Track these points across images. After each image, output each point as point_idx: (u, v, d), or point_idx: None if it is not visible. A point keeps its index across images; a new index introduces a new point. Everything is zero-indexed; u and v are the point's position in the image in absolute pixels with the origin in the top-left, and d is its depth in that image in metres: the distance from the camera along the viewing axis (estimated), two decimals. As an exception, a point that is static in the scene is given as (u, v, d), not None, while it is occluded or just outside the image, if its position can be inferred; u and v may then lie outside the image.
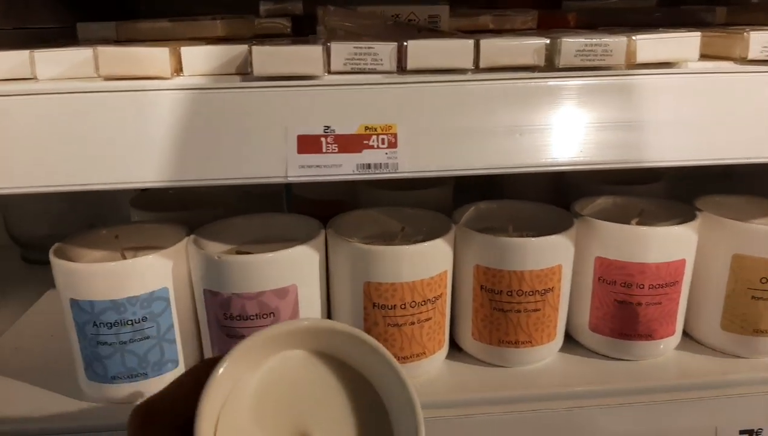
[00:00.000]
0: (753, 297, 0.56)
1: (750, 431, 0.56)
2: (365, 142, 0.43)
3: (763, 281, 0.55)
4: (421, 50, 0.44)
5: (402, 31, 0.62)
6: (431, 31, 0.62)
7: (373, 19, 0.61)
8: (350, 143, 0.43)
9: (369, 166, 0.44)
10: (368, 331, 0.55)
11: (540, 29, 0.68)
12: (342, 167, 0.43)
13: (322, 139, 0.43)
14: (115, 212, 0.75)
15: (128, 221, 0.67)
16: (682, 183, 0.74)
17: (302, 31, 0.68)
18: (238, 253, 0.56)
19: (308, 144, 0.43)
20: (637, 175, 0.72)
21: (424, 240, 0.54)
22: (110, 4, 0.84)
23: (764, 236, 0.55)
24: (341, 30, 0.62)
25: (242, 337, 0.52)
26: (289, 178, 0.43)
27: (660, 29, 0.47)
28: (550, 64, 0.45)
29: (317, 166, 0.43)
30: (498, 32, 0.66)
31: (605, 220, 0.57)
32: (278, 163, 0.43)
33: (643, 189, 0.70)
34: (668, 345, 0.59)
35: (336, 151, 0.43)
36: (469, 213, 0.63)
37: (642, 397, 0.55)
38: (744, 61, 0.46)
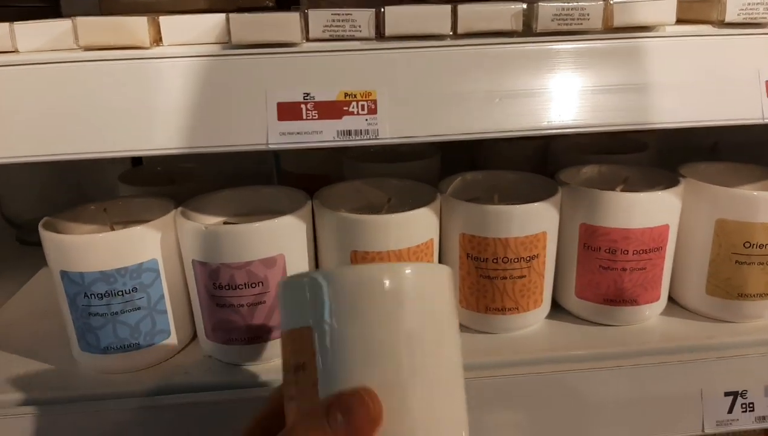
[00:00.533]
0: (737, 262, 0.57)
1: (735, 393, 0.57)
2: (345, 108, 0.44)
3: (747, 245, 0.56)
4: (399, 16, 0.44)
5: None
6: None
7: (356, -10, 0.61)
8: (330, 110, 0.44)
9: (349, 132, 0.44)
10: (355, 299, 0.55)
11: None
12: (322, 134, 0.44)
13: (302, 105, 0.44)
14: (107, 191, 0.76)
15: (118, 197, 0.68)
16: (667, 153, 0.75)
17: (286, 4, 0.68)
18: (226, 224, 0.57)
19: (288, 111, 0.43)
20: (622, 145, 0.73)
21: (415, 208, 0.54)
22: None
23: (747, 201, 0.55)
24: (324, 3, 0.62)
25: (231, 306, 0.54)
26: (270, 146, 0.43)
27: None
28: (528, 29, 0.45)
29: (298, 133, 0.43)
30: None
31: (590, 188, 0.57)
32: (259, 131, 0.43)
33: (628, 158, 0.70)
34: (654, 310, 0.60)
35: (316, 117, 0.44)
36: (455, 183, 0.63)
37: (628, 361, 0.56)
38: (721, 24, 0.46)
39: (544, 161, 0.78)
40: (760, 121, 0.46)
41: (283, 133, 0.43)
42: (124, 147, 0.43)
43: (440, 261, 0.60)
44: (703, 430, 0.56)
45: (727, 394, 0.56)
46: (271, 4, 0.70)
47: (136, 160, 0.87)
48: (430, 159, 0.73)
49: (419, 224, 0.55)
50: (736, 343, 0.57)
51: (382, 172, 0.68)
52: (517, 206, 0.55)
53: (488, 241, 0.55)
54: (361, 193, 0.63)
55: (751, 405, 0.56)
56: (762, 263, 0.56)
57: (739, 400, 0.56)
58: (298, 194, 0.59)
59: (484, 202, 0.57)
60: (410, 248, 0.54)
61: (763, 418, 0.56)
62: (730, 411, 0.56)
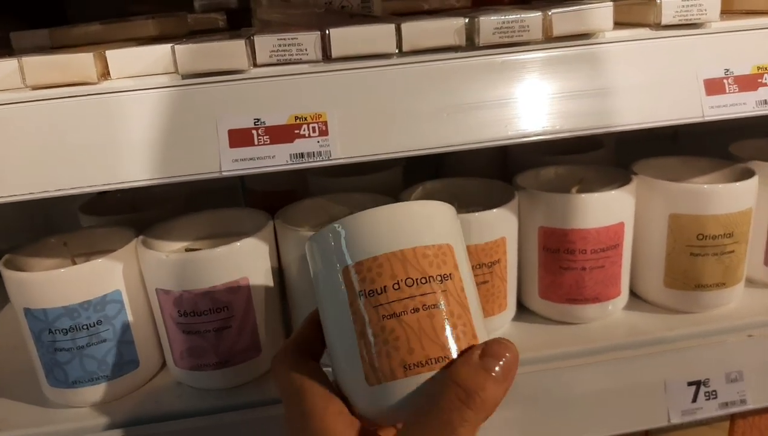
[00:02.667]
0: (692, 254, 0.58)
1: (697, 382, 0.58)
2: (296, 131, 0.44)
3: (700, 237, 0.58)
4: (344, 38, 0.45)
5: (334, 18, 0.62)
6: (364, 16, 0.63)
7: (305, 8, 0.61)
8: (282, 134, 0.44)
9: (302, 155, 0.44)
10: (322, 316, 0.56)
11: (474, 7, 0.69)
12: (275, 158, 0.44)
13: (254, 131, 0.44)
14: (72, 219, 0.75)
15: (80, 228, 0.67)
16: (627, 147, 0.76)
17: (238, 24, 0.69)
18: (188, 250, 0.57)
19: (240, 138, 0.44)
20: (580, 144, 0.74)
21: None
22: (43, 11, 0.83)
23: (697, 195, 0.57)
24: (275, 22, 0.63)
25: (198, 332, 0.54)
26: (224, 173, 0.43)
27: (575, 2, 0.48)
28: (472, 43, 0.46)
29: (251, 158, 0.44)
30: (432, 13, 0.67)
31: (549, 190, 0.58)
32: (212, 159, 0.44)
33: (585, 157, 0.71)
34: (616, 306, 0.61)
35: (268, 142, 0.44)
36: (416, 193, 0.64)
37: (593, 358, 0.57)
38: (658, 26, 0.48)
39: (505, 164, 0.79)
40: (701, 120, 0.47)
41: (236, 160, 0.43)
42: (77, 184, 0.43)
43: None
44: (669, 421, 0.57)
45: (690, 384, 0.57)
46: (222, 24, 0.70)
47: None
48: (393, 170, 0.74)
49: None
50: (695, 333, 0.59)
51: (346, 186, 0.69)
52: (475, 214, 0.56)
53: (450, 250, 0.56)
54: (324, 209, 0.64)
55: (714, 393, 0.58)
56: (716, 254, 0.58)
57: (702, 388, 0.58)
58: (260, 215, 0.59)
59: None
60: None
61: (726, 404, 0.58)
62: (695, 400, 0.57)
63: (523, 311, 0.64)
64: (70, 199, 0.74)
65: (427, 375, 0.34)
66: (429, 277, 0.35)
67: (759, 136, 0.81)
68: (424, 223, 0.37)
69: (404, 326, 0.35)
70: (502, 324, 0.61)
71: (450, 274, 0.36)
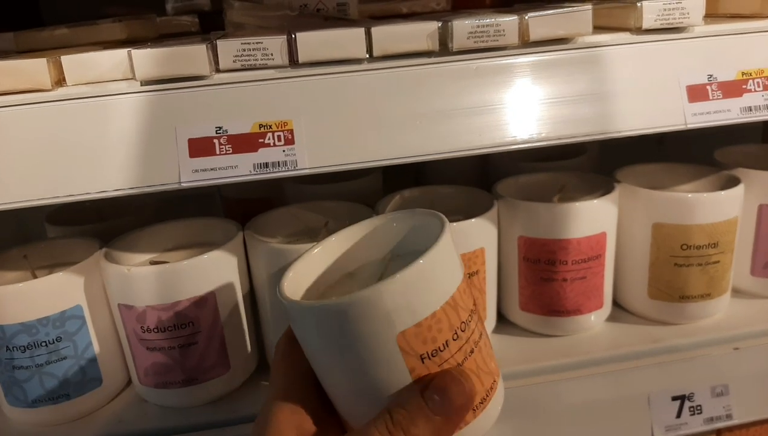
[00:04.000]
0: (676, 264, 0.57)
1: (682, 397, 0.56)
2: (260, 140, 0.42)
3: (684, 247, 0.56)
4: (312, 42, 0.43)
5: (307, 21, 0.60)
6: (339, 20, 0.61)
7: (279, 10, 0.59)
8: (245, 143, 0.42)
9: (266, 165, 0.42)
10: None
11: (455, 10, 0.67)
12: (238, 169, 0.42)
13: (215, 140, 0.42)
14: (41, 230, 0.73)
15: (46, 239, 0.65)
16: (612, 151, 0.74)
17: (212, 27, 0.66)
18: (153, 263, 0.54)
19: (200, 147, 0.41)
20: (562, 150, 0.72)
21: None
22: (18, 13, 0.81)
23: (681, 203, 0.55)
24: (248, 25, 0.61)
25: (162, 349, 0.51)
26: (183, 184, 0.41)
27: (555, 5, 0.46)
28: (445, 48, 0.44)
29: (212, 169, 0.41)
30: (411, 16, 0.65)
31: (530, 198, 0.57)
32: (171, 170, 0.42)
33: (568, 163, 0.70)
34: (598, 318, 0.59)
35: (230, 152, 0.42)
36: (394, 202, 0.62)
37: (574, 372, 0.56)
38: (639, 30, 0.46)
39: (486, 170, 0.77)
40: (683, 127, 0.46)
41: (196, 171, 0.41)
42: (24, 197, 0.41)
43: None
44: (653, 436, 0.56)
45: (674, 398, 0.56)
46: (194, 27, 0.68)
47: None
48: (371, 177, 0.71)
49: (355, 249, 0.53)
50: (680, 345, 0.57)
51: (323, 193, 0.67)
52: (453, 224, 0.54)
53: (427, 261, 0.54)
54: (297, 218, 0.61)
55: (698, 408, 0.56)
56: (701, 264, 0.56)
57: (687, 403, 0.56)
58: (230, 225, 0.57)
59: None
60: (347, 275, 0.52)
61: (711, 419, 0.56)
62: (679, 415, 0.56)
63: (504, 322, 0.62)
64: (37, 209, 0.72)
65: (490, 405, 0.34)
66: (471, 311, 0.33)
67: (747, 140, 0.80)
68: (454, 257, 0.34)
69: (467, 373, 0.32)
70: (481, 337, 0.59)
71: (474, 299, 0.34)
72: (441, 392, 0.31)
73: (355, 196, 0.63)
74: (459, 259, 0.34)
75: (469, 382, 0.32)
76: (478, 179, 0.69)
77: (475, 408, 0.32)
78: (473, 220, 0.54)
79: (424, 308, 0.31)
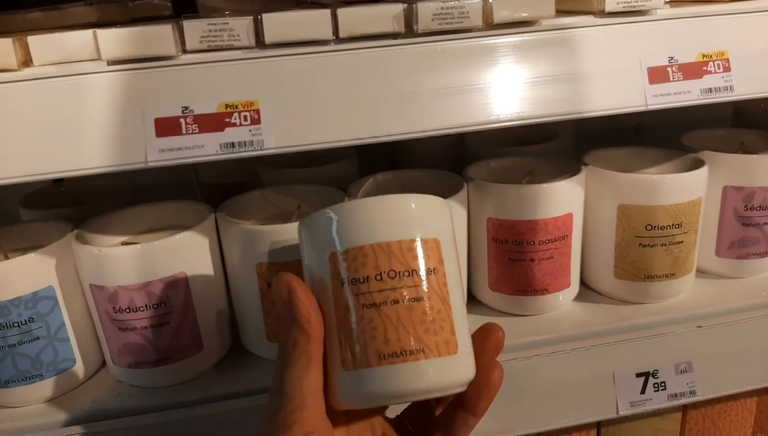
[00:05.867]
0: (640, 245, 0.58)
1: (646, 373, 0.58)
2: (227, 120, 0.43)
3: (649, 227, 0.57)
4: (279, 23, 0.43)
5: (281, 6, 0.60)
6: (313, 4, 0.61)
7: (251, -7, 0.59)
8: (211, 123, 0.42)
9: (233, 145, 0.43)
10: (266, 312, 0.54)
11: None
12: (204, 148, 0.42)
13: (182, 120, 0.42)
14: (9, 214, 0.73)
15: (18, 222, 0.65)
16: (586, 138, 0.75)
17: (185, 11, 0.66)
18: (125, 244, 0.55)
19: (167, 127, 0.42)
20: (534, 135, 0.73)
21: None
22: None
23: (645, 185, 0.56)
24: (221, 9, 0.61)
25: (134, 329, 0.52)
26: (150, 163, 0.42)
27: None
28: (411, 30, 0.45)
29: (178, 148, 0.42)
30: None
31: (500, 181, 0.57)
32: (138, 149, 0.42)
33: (540, 148, 0.71)
34: (566, 297, 0.61)
35: (197, 131, 0.42)
36: (367, 185, 0.63)
37: (541, 350, 0.57)
38: (602, 13, 0.47)
39: (461, 154, 0.78)
40: (644, 109, 0.47)
41: (163, 150, 0.42)
42: (-5, 175, 0.41)
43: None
44: (617, 412, 0.57)
45: (638, 375, 0.57)
46: (168, 11, 0.68)
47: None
48: (347, 160, 0.72)
49: (326, 230, 0.54)
50: (645, 324, 0.58)
51: (298, 177, 0.67)
52: (422, 206, 0.54)
53: (397, 242, 0.55)
54: (271, 201, 0.62)
55: (662, 384, 0.58)
56: (665, 245, 0.58)
57: (651, 380, 0.57)
58: (202, 208, 0.57)
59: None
60: (318, 256, 0.53)
61: (675, 395, 0.58)
62: (643, 391, 0.57)
63: (474, 303, 0.63)
64: (11, 193, 0.72)
65: (400, 366, 0.35)
66: (412, 270, 0.36)
67: (723, 125, 0.81)
68: (414, 217, 0.38)
69: (383, 317, 0.35)
70: (452, 317, 0.60)
71: (434, 268, 0.37)
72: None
73: (331, 180, 0.64)
74: (430, 224, 0.38)
75: (298, 292, 0.36)
76: (453, 163, 0.69)
77: (382, 356, 0.35)
78: (443, 201, 0.55)
79: (355, 239, 0.36)
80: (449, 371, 0.36)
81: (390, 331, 0.35)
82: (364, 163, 0.73)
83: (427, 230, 0.37)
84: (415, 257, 0.36)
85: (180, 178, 0.85)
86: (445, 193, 0.56)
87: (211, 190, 0.79)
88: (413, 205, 0.38)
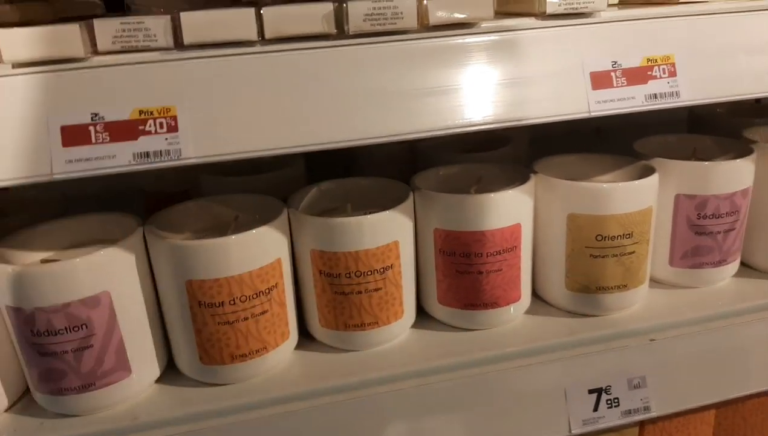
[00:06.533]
0: (591, 255, 0.56)
1: (599, 390, 0.56)
2: (141, 127, 0.39)
3: (599, 238, 0.55)
4: (197, 22, 0.40)
5: (217, 4, 0.57)
6: (250, 3, 0.59)
7: (184, -7, 0.56)
8: (123, 131, 0.39)
9: (147, 154, 0.40)
10: (198, 332, 0.51)
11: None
12: (116, 158, 0.39)
13: (91, 128, 0.39)
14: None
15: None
16: (543, 142, 0.73)
17: (119, 10, 0.63)
18: (45, 261, 0.51)
19: (75, 135, 0.39)
20: (487, 140, 0.71)
21: (257, 227, 0.50)
22: None
23: (595, 194, 0.54)
24: (154, 7, 0.57)
25: (54, 354, 0.48)
26: (55, 176, 0.38)
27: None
28: (343, 31, 0.42)
29: (87, 159, 0.39)
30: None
31: (448, 190, 0.55)
32: (42, 160, 0.39)
33: (493, 154, 0.68)
34: (518, 310, 0.58)
35: (108, 140, 0.39)
36: (310, 194, 0.60)
37: (489, 367, 0.54)
38: (544, 15, 0.45)
39: (414, 158, 0.75)
40: (587, 116, 0.45)
41: (70, 161, 0.38)
42: None
43: (297, 280, 0.56)
44: (570, 431, 0.55)
45: (591, 391, 0.55)
46: (100, 10, 0.64)
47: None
48: (293, 167, 0.69)
49: (262, 245, 0.51)
50: (597, 337, 0.56)
51: (242, 186, 0.64)
52: (366, 217, 0.52)
53: (338, 255, 0.52)
54: (207, 211, 0.59)
55: (616, 400, 0.56)
56: (616, 255, 0.56)
57: (604, 396, 0.55)
58: (130, 221, 0.54)
59: (339, 213, 0.54)
60: (252, 272, 0.50)
61: (629, 412, 0.56)
62: (596, 409, 0.55)
63: (424, 317, 0.60)
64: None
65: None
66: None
67: (683, 128, 0.80)
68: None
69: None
70: (399, 332, 0.58)
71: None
72: None
73: (276, 188, 0.61)
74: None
75: None
76: (407, 168, 0.67)
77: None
78: (387, 212, 0.53)
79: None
80: None
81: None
82: (312, 169, 0.70)
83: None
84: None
85: (124, 187, 0.81)
86: (391, 202, 0.54)
87: (153, 200, 0.76)
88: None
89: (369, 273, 0.53)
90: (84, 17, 0.62)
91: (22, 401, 0.54)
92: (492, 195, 0.53)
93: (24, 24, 0.56)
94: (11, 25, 0.55)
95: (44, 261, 0.51)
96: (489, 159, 0.67)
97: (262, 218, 0.53)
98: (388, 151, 0.76)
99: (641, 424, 0.63)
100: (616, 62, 0.46)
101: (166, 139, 0.39)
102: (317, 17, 0.42)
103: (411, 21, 0.42)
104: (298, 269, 0.56)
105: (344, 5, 0.41)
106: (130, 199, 0.81)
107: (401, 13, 0.42)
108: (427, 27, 0.42)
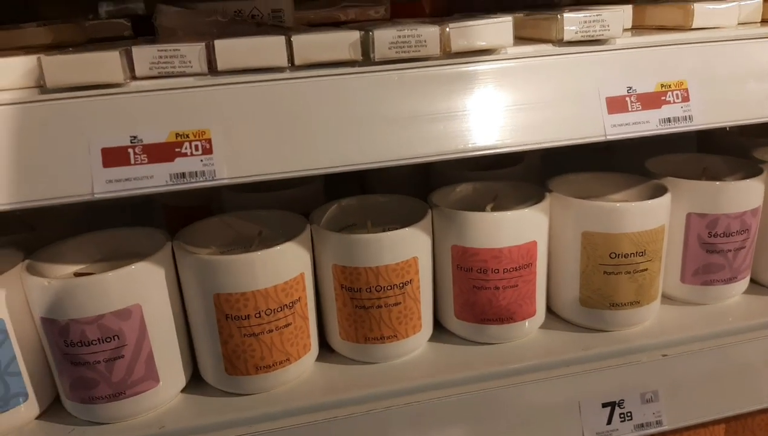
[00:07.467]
0: (605, 272, 0.57)
1: (612, 403, 0.57)
2: (177, 150, 0.41)
3: (613, 255, 0.57)
4: (231, 49, 0.42)
5: (240, 28, 0.60)
6: (273, 27, 0.61)
7: (210, 16, 0.58)
8: (161, 153, 0.41)
9: (183, 175, 0.42)
10: (224, 344, 0.53)
11: (393, 19, 0.67)
12: (154, 179, 0.41)
13: (130, 150, 0.41)
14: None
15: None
16: (555, 159, 0.75)
17: (146, 32, 0.65)
18: (78, 275, 0.53)
19: (114, 157, 0.41)
20: (500, 159, 0.73)
21: (281, 243, 0.52)
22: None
23: (609, 213, 0.56)
24: (180, 30, 0.60)
25: (87, 363, 0.50)
26: (96, 195, 0.40)
27: (480, 16, 0.46)
28: (368, 58, 0.44)
29: (126, 179, 0.41)
30: (348, 23, 0.65)
31: (465, 207, 0.57)
32: (83, 180, 0.41)
33: (507, 172, 0.70)
34: (532, 325, 0.60)
35: (146, 162, 0.41)
36: (331, 211, 0.62)
37: (507, 380, 0.56)
38: (561, 42, 0.47)
39: (429, 177, 0.77)
40: (603, 139, 0.46)
41: (110, 181, 0.40)
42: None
43: (318, 294, 0.58)
44: (583, 443, 0.56)
45: (604, 405, 0.56)
46: (128, 32, 0.67)
47: None
48: (312, 185, 0.71)
49: (287, 260, 0.53)
50: (610, 352, 0.58)
51: (263, 202, 0.66)
52: (385, 234, 0.54)
53: (359, 270, 0.54)
54: (231, 227, 0.61)
55: (629, 414, 0.57)
56: (629, 272, 0.57)
57: (617, 410, 0.57)
58: (159, 235, 0.56)
59: (359, 229, 0.56)
60: (277, 286, 0.52)
61: (642, 425, 0.57)
62: (609, 422, 0.56)
63: (441, 331, 0.62)
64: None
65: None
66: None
67: (692, 145, 0.81)
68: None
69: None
70: (417, 346, 0.59)
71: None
72: None
73: (296, 203, 0.63)
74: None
75: None
76: (422, 186, 0.68)
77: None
78: (406, 229, 0.54)
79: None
80: None
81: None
82: (330, 187, 0.72)
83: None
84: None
85: (140, 199, 0.84)
86: (410, 219, 0.56)
87: (173, 213, 0.78)
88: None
89: (389, 288, 0.55)
90: (113, 39, 0.65)
91: (52, 408, 0.56)
92: (509, 213, 0.55)
93: (56, 46, 0.58)
94: (44, 47, 0.57)
95: (77, 274, 0.53)
96: (503, 176, 0.69)
97: (286, 234, 0.55)
98: (402, 167, 0.78)
99: (652, 437, 0.65)
100: (631, 87, 0.47)
101: (202, 160, 0.41)
102: (345, 45, 0.43)
103: (434, 48, 0.44)
104: (320, 283, 0.58)
105: (370, 33, 0.43)
106: (149, 210, 0.83)
107: (425, 40, 0.43)
108: (449, 54, 0.44)
